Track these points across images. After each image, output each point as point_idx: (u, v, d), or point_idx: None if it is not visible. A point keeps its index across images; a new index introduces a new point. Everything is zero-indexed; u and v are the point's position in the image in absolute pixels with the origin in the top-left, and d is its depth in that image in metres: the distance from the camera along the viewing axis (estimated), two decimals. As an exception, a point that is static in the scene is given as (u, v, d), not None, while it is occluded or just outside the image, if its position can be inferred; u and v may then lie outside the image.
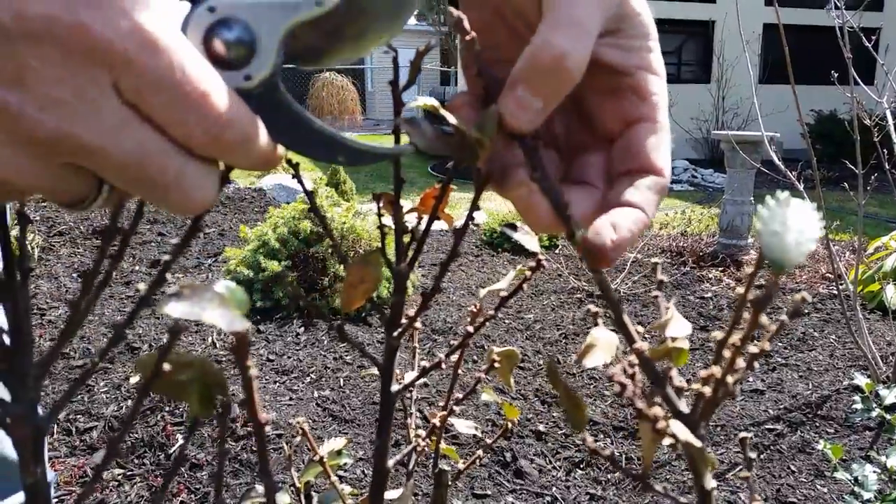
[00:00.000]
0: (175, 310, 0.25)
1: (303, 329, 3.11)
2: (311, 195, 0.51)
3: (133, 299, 3.55)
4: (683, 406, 0.39)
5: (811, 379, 2.77)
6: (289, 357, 2.84)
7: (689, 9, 11.48)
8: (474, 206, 0.46)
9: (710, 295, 3.82)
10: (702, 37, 11.87)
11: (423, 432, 0.77)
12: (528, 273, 0.67)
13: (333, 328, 0.51)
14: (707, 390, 0.39)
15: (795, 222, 0.32)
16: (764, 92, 7.12)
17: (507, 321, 3.36)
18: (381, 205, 0.51)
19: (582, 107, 0.40)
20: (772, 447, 2.29)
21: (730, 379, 0.38)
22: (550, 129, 0.41)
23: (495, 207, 5.89)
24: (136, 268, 4.00)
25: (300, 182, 0.51)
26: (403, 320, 0.49)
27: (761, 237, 0.32)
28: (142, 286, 0.34)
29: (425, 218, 0.48)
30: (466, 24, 0.36)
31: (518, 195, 0.37)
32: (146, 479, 2.09)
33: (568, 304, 3.64)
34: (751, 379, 2.78)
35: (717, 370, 0.39)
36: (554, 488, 2.09)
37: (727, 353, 0.39)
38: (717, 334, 0.40)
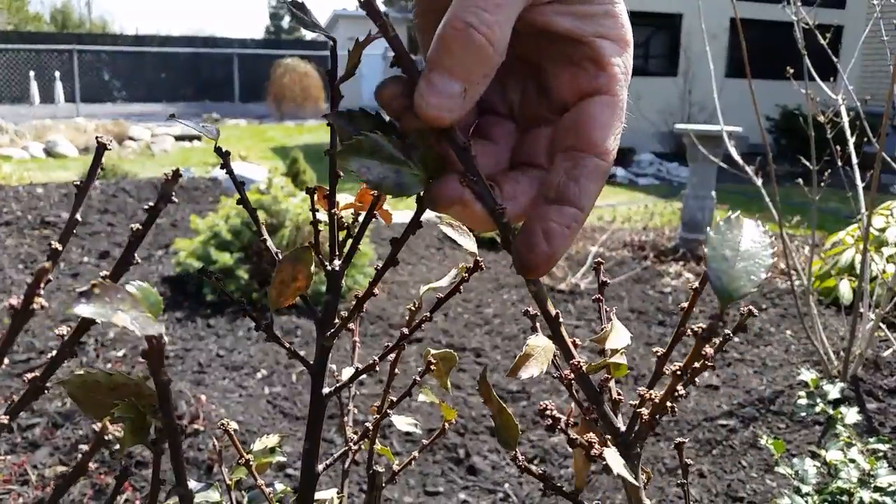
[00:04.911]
0: (85, 310, 0.24)
1: (255, 324, 3.03)
2: (240, 186, 0.47)
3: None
4: (620, 423, 0.38)
5: (766, 374, 2.78)
6: (239, 352, 2.77)
7: (657, 1, 11.53)
8: (416, 223, 0.41)
9: (668, 289, 3.83)
10: (669, 30, 11.93)
11: (354, 436, 0.73)
12: (465, 275, 0.63)
13: (261, 327, 0.50)
14: (644, 412, 0.37)
15: (747, 247, 0.29)
16: (731, 85, 7.18)
17: (466, 316, 3.33)
18: (314, 199, 0.48)
19: (538, 75, 0.37)
20: (724, 442, 2.29)
21: (669, 403, 0.36)
22: (506, 96, 0.38)
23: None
24: (85, 259, 3.88)
25: (229, 173, 0.47)
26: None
27: (709, 263, 0.29)
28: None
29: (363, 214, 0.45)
30: None
31: (452, 212, 0.34)
32: (90, 477, 2.02)
33: (528, 299, 3.61)
34: (706, 374, 2.78)
35: (656, 393, 0.37)
36: (506, 484, 2.07)
37: (667, 372, 0.38)
38: (658, 353, 0.39)
